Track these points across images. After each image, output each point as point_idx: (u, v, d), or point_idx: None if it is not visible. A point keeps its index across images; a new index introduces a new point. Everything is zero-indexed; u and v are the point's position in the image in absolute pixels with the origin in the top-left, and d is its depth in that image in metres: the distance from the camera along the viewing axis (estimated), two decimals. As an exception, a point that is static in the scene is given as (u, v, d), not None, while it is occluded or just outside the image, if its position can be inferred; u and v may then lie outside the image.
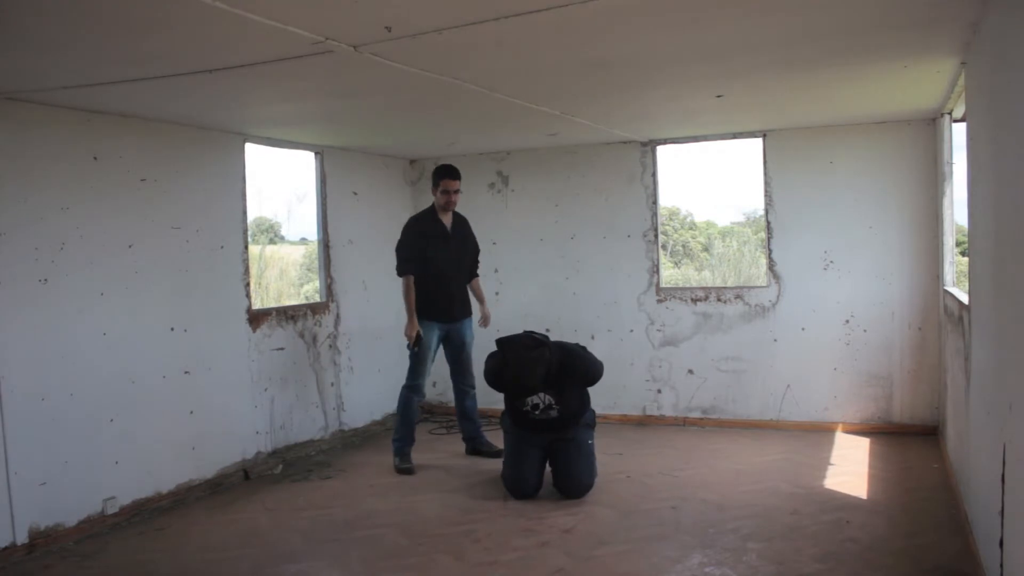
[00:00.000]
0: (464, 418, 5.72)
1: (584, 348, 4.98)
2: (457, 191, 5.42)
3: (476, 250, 5.81)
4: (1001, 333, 2.80)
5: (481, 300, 5.81)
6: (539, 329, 5.35)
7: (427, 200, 7.16)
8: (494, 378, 4.83)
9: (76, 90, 3.80)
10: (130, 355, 4.56)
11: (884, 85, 4.47)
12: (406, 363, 5.47)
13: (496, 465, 5.17)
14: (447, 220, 5.50)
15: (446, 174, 5.38)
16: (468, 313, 5.63)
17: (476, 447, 5.70)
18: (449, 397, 7.11)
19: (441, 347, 5.60)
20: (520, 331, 4.86)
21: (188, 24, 2.81)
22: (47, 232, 4.13)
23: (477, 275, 5.84)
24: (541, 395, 4.70)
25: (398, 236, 5.49)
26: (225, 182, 5.29)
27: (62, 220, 4.21)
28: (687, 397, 6.42)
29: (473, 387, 5.67)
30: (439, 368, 7.15)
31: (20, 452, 3.97)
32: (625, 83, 4.20)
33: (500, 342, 4.75)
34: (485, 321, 5.74)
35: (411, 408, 5.47)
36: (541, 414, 4.71)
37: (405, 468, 5.36)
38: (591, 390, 4.96)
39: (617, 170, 6.55)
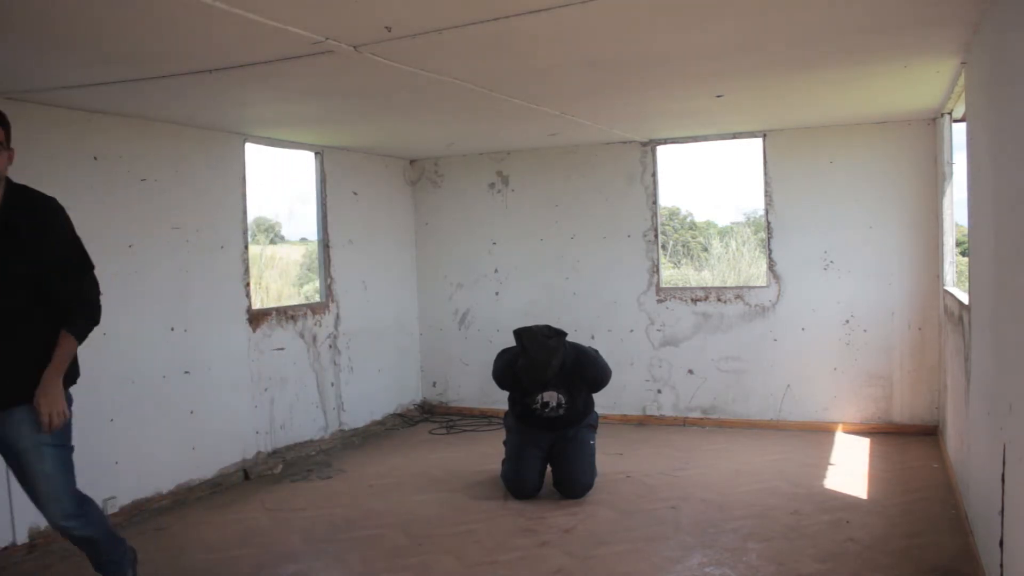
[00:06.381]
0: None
1: (598, 352, 4.98)
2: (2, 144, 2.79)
3: (58, 265, 2.83)
4: (1001, 333, 2.80)
5: (52, 367, 2.88)
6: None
7: (427, 200, 7.23)
8: (507, 371, 4.80)
9: (76, 90, 3.80)
10: (130, 355, 4.56)
11: (884, 85, 4.47)
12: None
13: (496, 465, 5.17)
14: None
15: None
16: (20, 399, 2.84)
17: None
18: (449, 397, 7.13)
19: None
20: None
21: (188, 24, 2.81)
22: (47, 232, 4.12)
23: (70, 322, 2.88)
24: (553, 393, 4.70)
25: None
26: (225, 182, 5.29)
27: (62, 220, 4.20)
28: (687, 397, 6.42)
29: (68, 528, 3.09)
30: (440, 368, 7.19)
31: (20, 452, 3.95)
32: (625, 83, 4.20)
33: (518, 331, 4.75)
34: (42, 421, 2.90)
35: None
36: (550, 412, 4.72)
37: None
38: (593, 389, 4.96)
39: (617, 170, 6.55)
